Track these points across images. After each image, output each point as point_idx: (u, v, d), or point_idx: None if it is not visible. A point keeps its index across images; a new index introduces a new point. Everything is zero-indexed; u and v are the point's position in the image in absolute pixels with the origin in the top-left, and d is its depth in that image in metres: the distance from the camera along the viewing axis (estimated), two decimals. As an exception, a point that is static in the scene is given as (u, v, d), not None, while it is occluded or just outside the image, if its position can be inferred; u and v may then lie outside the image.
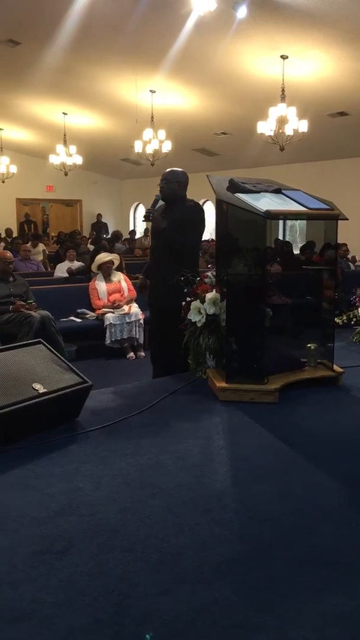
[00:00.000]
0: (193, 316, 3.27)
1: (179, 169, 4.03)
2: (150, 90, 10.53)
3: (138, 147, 11.32)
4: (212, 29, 7.84)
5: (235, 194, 3.07)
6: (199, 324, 3.25)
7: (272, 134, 9.32)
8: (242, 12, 7.22)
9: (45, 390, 2.46)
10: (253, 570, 1.57)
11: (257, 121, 9.39)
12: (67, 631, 1.32)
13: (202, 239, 4.28)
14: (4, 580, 1.51)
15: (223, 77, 9.56)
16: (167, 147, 11.31)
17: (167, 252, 3.92)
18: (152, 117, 10.96)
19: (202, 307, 3.24)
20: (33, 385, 2.45)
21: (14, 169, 15.49)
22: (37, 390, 2.44)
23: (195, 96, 10.79)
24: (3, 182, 15.60)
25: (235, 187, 3.15)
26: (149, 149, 11.32)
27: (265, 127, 9.28)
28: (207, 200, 16.67)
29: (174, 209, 3.90)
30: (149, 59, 9.10)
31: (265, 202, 3.00)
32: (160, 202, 3.94)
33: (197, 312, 3.26)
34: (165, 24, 7.90)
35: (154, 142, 11.26)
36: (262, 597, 1.46)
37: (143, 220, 4.07)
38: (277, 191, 3.25)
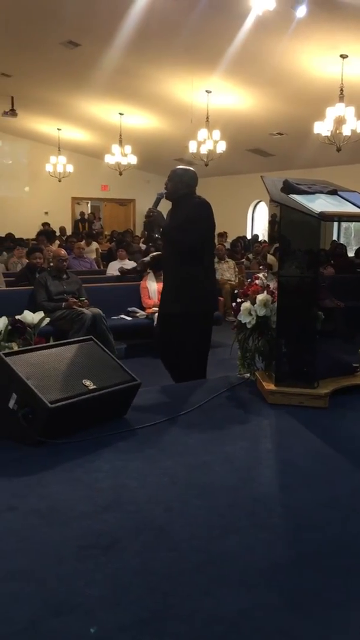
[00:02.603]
0: (243, 317, 3.25)
1: (185, 167, 3.96)
2: (206, 90, 10.53)
3: (192, 147, 11.34)
4: (270, 29, 7.78)
5: (289, 195, 3.03)
6: (248, 326, 3.22)
7: (329, 134, 9.18)
8: (301, 11, 7.14)
9: (94, 386, 2.49)
10: (299, 577, 1.55)
11: (313, 121, 9.27)
12: (111, 627, 1.33)
13: (213, 237, 4.07)
14: (50, 572, 1.53)
15: (280, 77, 9.47)
16: (221, 147, 11.29)
17: (170, 252, 3.87)
18: (207, 117, 10.96)
19: (253, 309, 3.22)
20: (83, 381, 2.49)
21: (70, 168, 15.78)
22: (87, 386, 2.47)
23: (251, 96, 10.74)
24: (60, 181, 15.91)
25: (289, 188, 3.11)
26: (204, 149, 11.32)
27: (322, 128, 9.15)
28: (260, 201, 16.60)
29: (178, 208, 3.84)
30: (206, 59, 9.11)
31: (320, 204, 2.96)
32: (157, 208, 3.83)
33: (247, 313, 3.23)
34: (224, 23, 7.89)
35: (208, 143, 11.26)
36: (307, 604, 1.44)
37: (145, 221, 4.02)
38: (333, 192, 3.19)
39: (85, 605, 1.40)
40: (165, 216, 3.91)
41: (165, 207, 3.76)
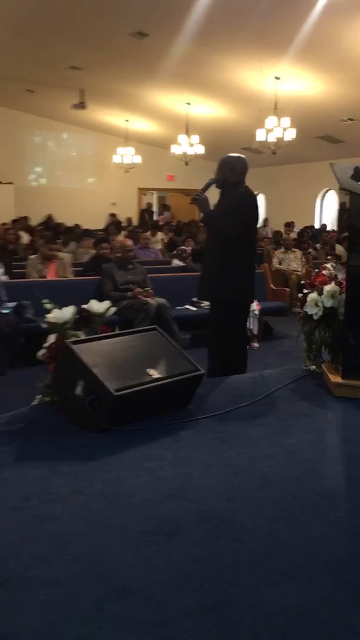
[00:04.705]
0: (309, 309, 3.19)
1: (236, 155, 3.82)
2: (275, 77, 10.35)
3: (260, 135, 11.18)
4: (341, 11, 7.55)
5: (360, 183, 2.94)
6: (315, 317, 3.16)
7: None
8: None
9: (159, 376, 2.51)
10: (363, 574, 1.51)
11: (386, 106, 8.95)
12: (173, 612, 1.35)
13: (254, 229, 3.93)
14: (115, 556, 1.57)
15: (351, 61, 9.18)
16: (290, 134, 11.08)
17: (209, 241, 3.80)
18: (275, 105, 10.77)
19: (320, 300, 3.15)
20: (147, 370, 2.51)
21: (137, 159, 15.91)
22: (151, 375, 2.50)
23: (321, 82, 10.47)
24: (127, 172, 16.08)
25: (360, 175, 3.02)
26: (271, 137, 11.15)
27: (395, 112, 8.82)
28: (329, 189, 16.20)
29: (225, 197, 3.74)
30: (275, 45, 8.94)
31: (392, 191, 2.85)
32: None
33: (314, 304, 3.17)
34: (293, 8, 7.71)
35: (276, 130, 11.07)
36: (372, 602, 1.40)
37: (190, 203, 3.93)
38: None
39: (147, 590, 1.43)
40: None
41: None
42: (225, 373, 3.35)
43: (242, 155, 3.86)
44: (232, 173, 3.72)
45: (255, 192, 14.86)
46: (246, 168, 3.79)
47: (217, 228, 3.68)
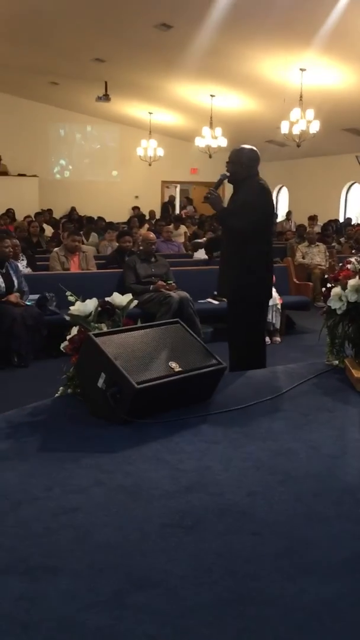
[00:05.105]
0: (333, 303, 3.16)
1: (247, 147, 3.71)
2: (300, 69, 10.24)
3: (284, 128, 11.08)
4: (369, 1, 7.43)
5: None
6: (339, 312, 3.13)
7: None
8: None
9: (180, 369, 2.52)
10: (384, 571, 1.50)
11: None
12: (192, 604, 1.36)
13: (270, 224, 3.84)
14: (135, 547, 1.58)
15: (379, 52, 9.04)
16: (315, 127, 10.96)
17: (225, 237, 3.74)
18: (300, 96, 10.66)
19: (344, 294, 3.12)
20: (169, 363, 2.52)
21: (160, 152, 15.89)
22: (172, 368, 2.50)
23: (348, 72, 10.33)
24: (150, 165, 16.07)
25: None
26: (296, 130, 11.04)
27: None
28: (355, 182, 16.01)
29: (238, 192, 3.66)
30: (300, 36, 8.84)
31: None
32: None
33: (338, 299, 3.14)
34: (319, -3, 7.62)
35: (301, 123, 10.96)
36: (393, 600, 1.39)
37: (203, 202, 3.87)
38: None
39: (167, 582, 1.43)
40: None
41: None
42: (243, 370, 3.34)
43: (251, 147, 3.74)
44: (241, 167, 3.64)
45: (279, 185, 14.73)
46: (255, 160, 3.69)
47: (230, 225, 3.64)
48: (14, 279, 5.72)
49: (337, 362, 3.21)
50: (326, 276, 5.93)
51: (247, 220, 3.56)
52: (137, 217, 12.96)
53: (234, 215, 3.61)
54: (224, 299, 6.60)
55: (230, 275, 3.71)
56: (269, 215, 3.76)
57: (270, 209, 3.75)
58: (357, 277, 3.14)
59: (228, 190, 3.68)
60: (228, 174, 3.73)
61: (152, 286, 6.15)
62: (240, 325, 3.71)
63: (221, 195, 3.78)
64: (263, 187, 3.65)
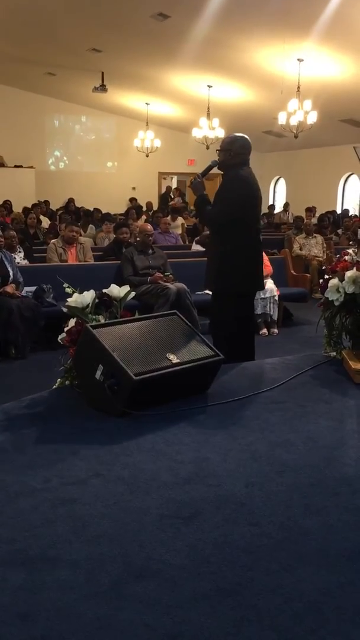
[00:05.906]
0: (330, 295, 3.16)
1: (239, 135, 3.65)
2: (298, 59, 10.18)
3: (282, 118, 11.04)
4: (367, -9, 7.38)
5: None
6: (336, 303, 3.13)
7: None
8: None
9: (178, 360, 2.52)
10: (382, 561, 1.51)
11: None
12: (190, 594, 1.36)
13: (250, 214, 3.64)
14: (133, 538, 1.58)
15: (377, 42, 9.00)
16: (312, 118, 10.92)
17: (209, 227, 3.70)
18: (298, 87, 10.61)
19: (341, 286, 3.12)
20: (167, 355, 2.52)
21: (158, 143, 15.81)
22: (170, 360, 2.50)
23: (345, 63, 10.28)
24: (147, 156, 16.00)
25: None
26: (294, 121, 11.00)
27: None
28: (352, 174, 15.97)
29: (224, 179, 3.60)
30: (298, 26, 8.78)
31: None
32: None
33: (335, 290, 3.14)
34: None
35: (298, 113, 10.91)
36: (390, 590, 1.40)
37: (188, 186, 3.89)
38: None
39: (165, 572, 1.44)
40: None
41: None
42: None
43: (242, 135, 3.69)
44: (230, 155, 3.59)
45: (277, 177, 14.66)
46: (246, 148, 3.63)
47: (202, 213, 3.60)
48: (9, 269, 5.70)
49: (334, 353, 3.22)
50: (324, 268, 5.93)
51: (219, 212, 3.51)
52: (134, 208, 12.91)
53: (208, 204, 3.59)
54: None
55: (211, 266, 3.68)
56: (249, 207, 3.62)
57: (251, 200, 3.62)
58: (355, 268, 3.14)
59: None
60: (218, 160, 3.70)
61: (149, 278, 6.13)
62: (222, 317, 3.63)
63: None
64: (242, 178, 3.56)
